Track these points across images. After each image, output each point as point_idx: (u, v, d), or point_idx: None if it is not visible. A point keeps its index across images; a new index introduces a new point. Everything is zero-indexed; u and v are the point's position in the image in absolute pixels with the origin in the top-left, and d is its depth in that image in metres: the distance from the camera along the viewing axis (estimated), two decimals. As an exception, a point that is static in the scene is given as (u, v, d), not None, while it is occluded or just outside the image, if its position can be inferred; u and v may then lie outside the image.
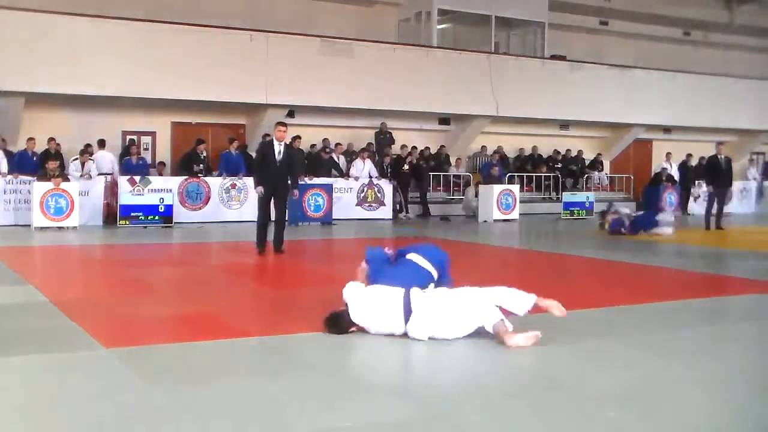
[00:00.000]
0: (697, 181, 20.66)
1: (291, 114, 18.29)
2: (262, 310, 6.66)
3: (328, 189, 16.37)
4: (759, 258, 10.79)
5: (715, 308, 6.87)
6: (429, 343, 5.06)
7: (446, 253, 5.99)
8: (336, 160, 17.95)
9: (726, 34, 26.01)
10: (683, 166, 21.37)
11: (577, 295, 7.23)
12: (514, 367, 4.70)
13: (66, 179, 14.12)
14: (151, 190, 14.97)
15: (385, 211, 17.63)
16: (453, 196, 20.10)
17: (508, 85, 19.97)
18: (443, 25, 21.59)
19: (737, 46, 26.24)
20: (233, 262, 10.03)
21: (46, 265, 10.19)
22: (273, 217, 10.45)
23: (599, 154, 23.11)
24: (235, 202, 15.97)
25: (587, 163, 22.62)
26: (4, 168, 14.71)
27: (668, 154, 21.74)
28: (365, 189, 17.45)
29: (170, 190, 15.17)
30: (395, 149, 19.16)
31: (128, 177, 15.07)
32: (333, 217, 16.23)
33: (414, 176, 18.60)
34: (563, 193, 19.94)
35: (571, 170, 21.90)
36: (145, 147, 16.97)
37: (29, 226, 13.77)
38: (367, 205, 17.48)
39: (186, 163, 16.25)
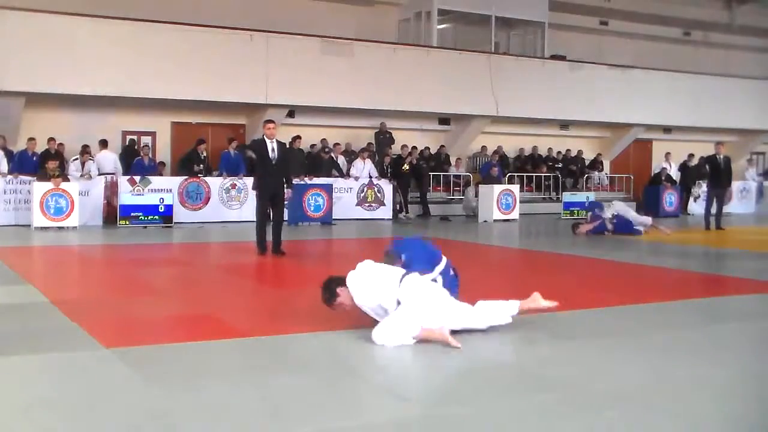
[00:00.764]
0: (697, 181, 20.68)
1: (291, 114, 18.31)
2: (262, 310, 6.66)
3: (328, 189, 16.37)
4: (759, 258, 10.79)
5: (715, 308, 6.87)
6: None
7: (439, 250, 5.97)
8: (336, 160, 17.94)
9: (726, 34, 26.02)
10: (684, 167, 21.37)
11: (577, 295, 7.23)
12: (514, 367, 4.70)
13: (66, 179, 14.12)
14: (151, 190, 14.97)
15: (385, 211, 17.63)
16: (453, 196, 20.10)
17: (508, 85, 19.97)
18: (443, 25, 21.60)
19: (737, 46, 26.25)
20: (233, 262, 10.03)
21: (46, 265, 10.19)
22: (272, 217, 10.37)
23: (599, 154, 23.11)
24: (235, 202, 15.97)
25: (587, 163, 22.62)
26: (4, 168, 14.71)
27: (668, 154, 21.74)
28: (365, 189, 17.45)
29: (170, 190, 15.17)
30: (395, 149, 19.16)
31: (128, 177, 15.07)
32: (333, 217, 16.24)
33: (414, 176, 18.60)
34: (563, 193, 19.94)
35: (571, 170, 21.90)
36: (146, 147, 16.95)
37: (29, 226, 13.77)
38: (367, 205, 17.48)
39: (186, 163, 16.25)
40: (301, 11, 19.36)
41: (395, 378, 4.57)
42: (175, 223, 14.98)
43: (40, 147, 15.50)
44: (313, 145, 18.58)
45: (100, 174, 15.29)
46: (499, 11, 21.21)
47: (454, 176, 20.35)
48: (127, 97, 16.32)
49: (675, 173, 21.27)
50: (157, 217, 14.85)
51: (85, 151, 15.51)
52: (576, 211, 18.80)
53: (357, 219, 17.02)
